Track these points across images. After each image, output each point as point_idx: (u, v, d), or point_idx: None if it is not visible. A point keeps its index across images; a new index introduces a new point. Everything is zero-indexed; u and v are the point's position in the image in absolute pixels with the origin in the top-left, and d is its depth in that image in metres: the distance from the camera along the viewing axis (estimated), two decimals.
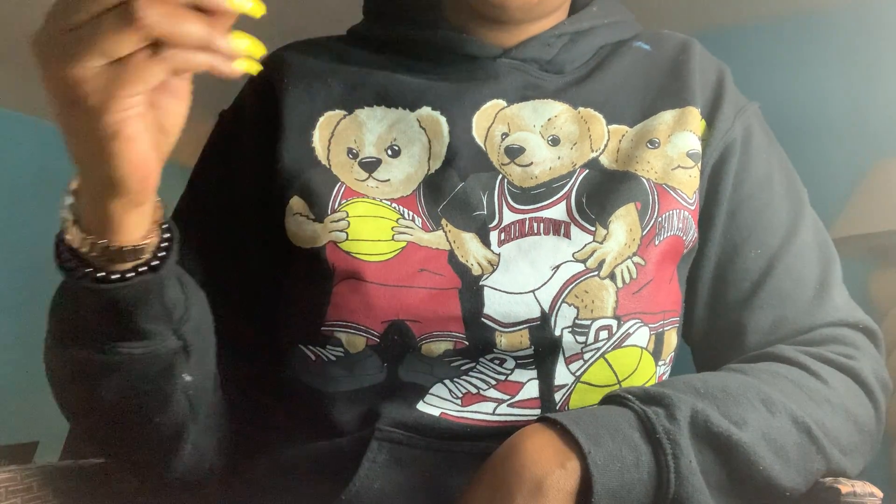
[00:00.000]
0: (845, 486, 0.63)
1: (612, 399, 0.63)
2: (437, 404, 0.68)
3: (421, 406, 0.68)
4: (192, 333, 0.63)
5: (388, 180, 0.73)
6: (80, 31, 0.45)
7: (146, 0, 0.45)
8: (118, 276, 0.56)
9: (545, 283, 0.68)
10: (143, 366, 0.61)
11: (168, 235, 0.58)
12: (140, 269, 0.56)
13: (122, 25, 0.45)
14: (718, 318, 0.77)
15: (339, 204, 0.71)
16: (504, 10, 0.74)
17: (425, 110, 0.75)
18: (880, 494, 0.63)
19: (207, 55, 0.48)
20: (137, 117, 0.48)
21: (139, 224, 0.54)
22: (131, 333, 0.59)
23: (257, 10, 0.51)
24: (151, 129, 0.50)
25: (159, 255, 0.57)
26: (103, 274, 0.55)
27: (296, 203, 0.72)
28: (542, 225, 0.71)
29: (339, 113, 0.76)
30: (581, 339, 0.68)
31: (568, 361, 0.68)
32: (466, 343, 0.67)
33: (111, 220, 0.53)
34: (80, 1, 0.45)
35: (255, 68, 0.52)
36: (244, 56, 0.50)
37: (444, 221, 0.71)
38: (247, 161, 0.76)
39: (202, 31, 0.47)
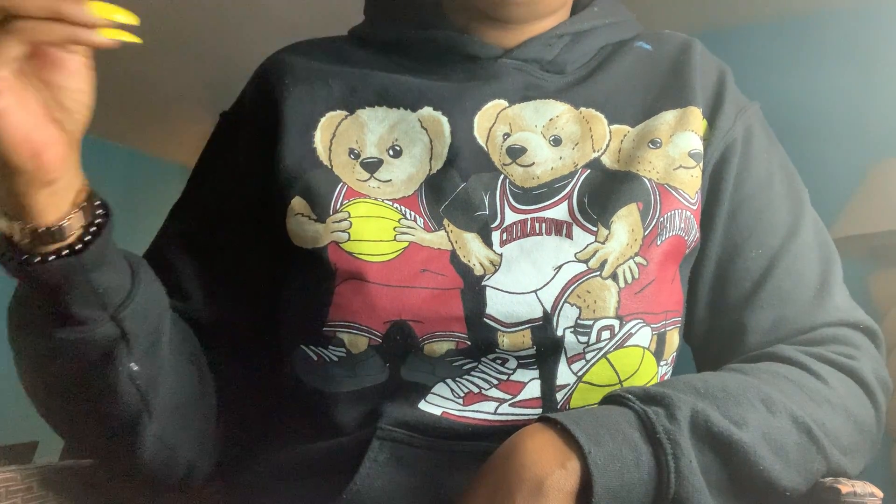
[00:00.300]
0: (845, 486, 0.63)
1: (612, 399, 0.63)
2: (438, 404, 0.68)
3: (422, 405, 0.68)
4: (134, 321, 0.62)
5: (390, 180, 0.73)
6: None
7: None
8: (39, 259, 0.56)
9: (547, 284, 0.68)
10: (80, 352, 0.61)
11: (100, 221, 0.58)
12: (63, 253, 0.56)
13: None
14: (719, 317, 0.77)
15: (341, 204, 0.71)
16: (506, 8, 0.74)
17: (427, 110, 0.75)
18: (880, 494, 0.63)
19: (61, 25, 0.48)
20: (8, 92, 0.49)
21: (51, 205, 0.54)
22: (63, 318, 0.59)
23: None
24: (42, 105, 0.51)
25: (86, 238, 0.57)
26: (26, 256, 0.56)
27: (297, 203, 0.72)
28: (543, 225, 0.71)
29: (340, 113, 0.76)
30: (583, 339, 0.68)
31: (570, 361, 0.68)
32: (468, 343, 0.67)
33: (17, 200, 0.53)
34: None
35: (129, 38, 0.51)
36: (108, 24, 0.50)
37: (445, 221, 0.71)
38: (247, 161, 0.76)
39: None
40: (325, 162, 0.73)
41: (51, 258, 0.56)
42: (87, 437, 0.70)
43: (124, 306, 0.61)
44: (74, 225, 0.56)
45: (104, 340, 0.61)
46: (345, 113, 0.76)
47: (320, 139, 0.74)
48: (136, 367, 0.63)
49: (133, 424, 0.66)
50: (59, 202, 0.55)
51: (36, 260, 0.56)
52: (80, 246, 0.57)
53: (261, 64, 0.81)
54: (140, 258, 0.67)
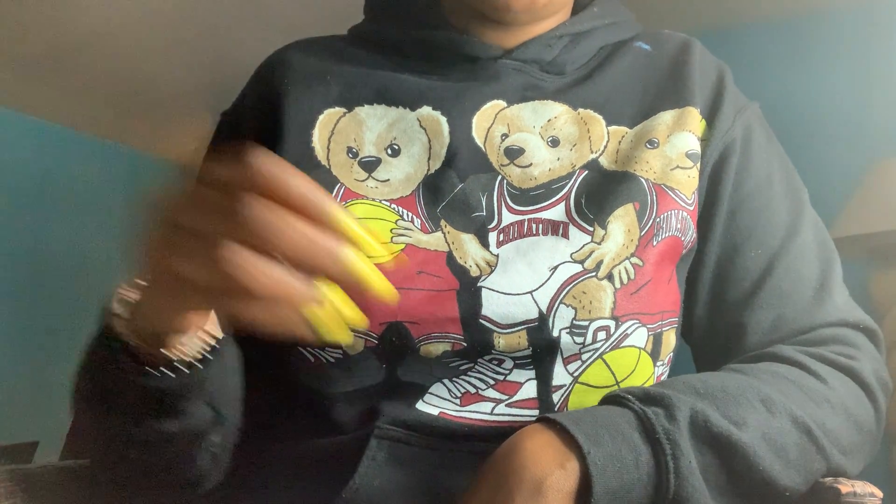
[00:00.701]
0: (845, 486, 0.63)
1: (611, 399, 0.63)
2: (436, 404, 0.68)
3: (420, 405, 0.68)
4: (226, 403, 0.63)
5: (388, 180, 0.73)
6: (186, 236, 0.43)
7: (234, 250, 0.42)
8: (161, 370, 0.55)
9: (543, 284, 0.68)
10: (175, 438, 0.61)
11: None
12: (181, 364, 0.56)
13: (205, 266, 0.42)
14: (718, 317, 0.77)
15: None
16: (508, 11, 0.74)
17: (426, 110, 0.75)
18: (880, 494, 0.63)
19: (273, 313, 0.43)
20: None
21: (181, 341, 0.54)
22: (168, 413, 0.59)
23: (392, 296, 0.45)
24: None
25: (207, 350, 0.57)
26: (147, 369, 0.55)
27: None
28: (540, 226, 0.71)
29: (338, 111, 0.76)
30: (579, 339, 0.68)
31: (566, 362, 0.68)
32: (465, 344, 0.67)
33: (157, 341, 0.53)
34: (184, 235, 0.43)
35: (343, 338, 0.45)
36: (329, 322, 0.44)
37: (443, 222, 0.71)
38: None
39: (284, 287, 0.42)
40: (324, 162, 0.73)
41: (170, 372, 0.55)
42: (147, 492, 0.69)
43: (219, 392, 0.61)
44: (200, 348, 0.56)
45: (200, 425, 0.61)
46: (343, 110, 0.76)
47: (318, 138, 0.74)
48: (216, 439, 0.64)
49: (201, 481, 0.67)
50: (190, 338, 0.55)
51: (156, 373, 0.55)
52: (202, 359, 0.56)
53: (261, 63, 0.81)
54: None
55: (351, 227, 0.44)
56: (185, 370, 0.56)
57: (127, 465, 0.66)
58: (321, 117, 0.75)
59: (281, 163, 0.43)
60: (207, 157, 0.81)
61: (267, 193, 0.42)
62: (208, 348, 0.57)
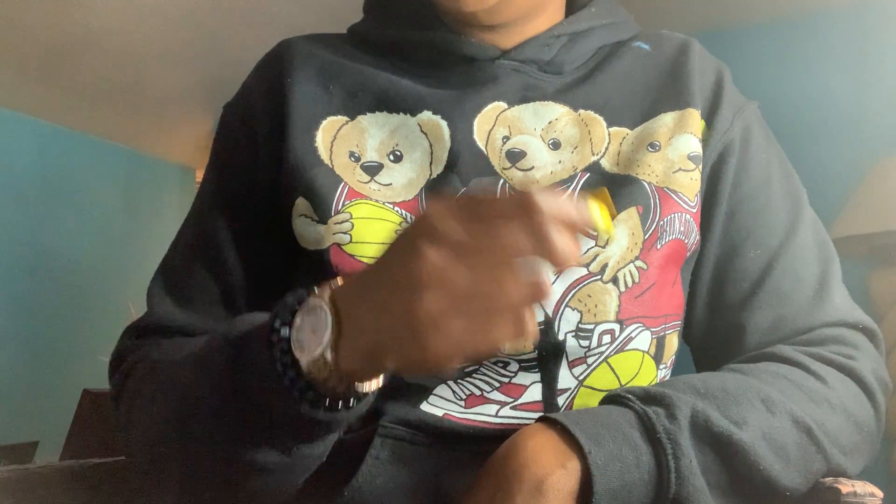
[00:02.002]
0: (845, 486, 0.63)
1: (612, 399, 0.63)
2: (440, 405, 0.68)
3: (424, 406, 0.68)
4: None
5: (390, 184, 0.73)
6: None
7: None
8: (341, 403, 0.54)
9: None
10: (309, 458, 0.59)
11: None
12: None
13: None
14: (718, 318, 0.77)
15: (343, 205, 0.71)
16: (459, 12, 0.73)
17: (426, 115, 0.75)
18: (880, 494, 0.64)
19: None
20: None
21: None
22: (319, 438, 0.57)
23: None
24: None
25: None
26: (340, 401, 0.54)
27: (301, 204, 0.71)
28: None
29: (340, 119, 0.75)
30: (584, 343, 0.68)
31: (571, 365, 0.68)
32: None
33: (370, 375, 0.52)
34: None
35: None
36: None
37: None
38: (259, 156, 0.75)
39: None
40: (326, 161, 0.73)
41: (350, 403, 0.54)
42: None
43: None
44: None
45: (332, 441, 0.60)
46: (345, 118, 0.75)
47: (321, 139, 0.74)
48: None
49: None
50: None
51: (341, 406, 0.54)
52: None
53: (264, 56, 0.80)
54: None
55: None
56: (364, 400, 0.55)
57: (231, 488, 0.62)
58: (324, 122, 0.75)
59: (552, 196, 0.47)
60: (217, 156, 0.80)
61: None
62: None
